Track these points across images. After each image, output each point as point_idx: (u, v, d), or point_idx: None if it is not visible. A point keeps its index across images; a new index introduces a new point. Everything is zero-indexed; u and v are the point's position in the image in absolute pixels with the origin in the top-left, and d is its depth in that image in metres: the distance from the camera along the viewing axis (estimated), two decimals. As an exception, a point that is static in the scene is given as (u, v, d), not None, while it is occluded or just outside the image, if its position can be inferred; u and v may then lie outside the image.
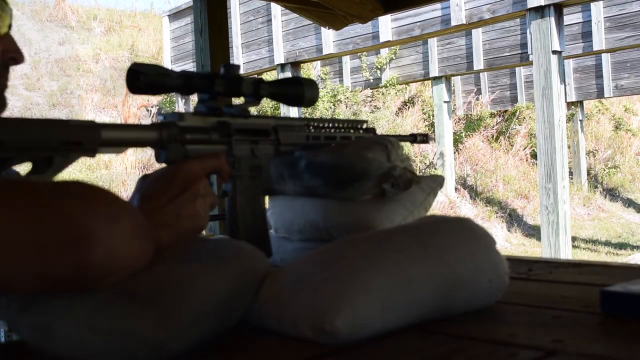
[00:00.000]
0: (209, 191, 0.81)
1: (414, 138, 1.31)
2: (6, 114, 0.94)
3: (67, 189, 0.61)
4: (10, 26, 0.91)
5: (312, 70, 10.08)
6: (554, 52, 5.79)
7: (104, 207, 0.61)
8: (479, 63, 8.19)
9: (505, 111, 10.80)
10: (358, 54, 9.17)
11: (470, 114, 10.70)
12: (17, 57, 0.87)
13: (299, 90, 1.00)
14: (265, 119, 1.00)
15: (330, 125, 1.12)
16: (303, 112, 9.17)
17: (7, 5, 0.88)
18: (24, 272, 0.56)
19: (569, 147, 10.08)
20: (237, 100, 0.99)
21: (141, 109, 9.48)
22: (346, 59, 9.74)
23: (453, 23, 6.70)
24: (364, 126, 1.18)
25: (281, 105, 8.33)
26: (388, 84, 9.45)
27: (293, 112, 7.51)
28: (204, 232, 2.00)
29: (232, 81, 0.91)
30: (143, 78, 0.81)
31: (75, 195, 0.60)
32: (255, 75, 9.20)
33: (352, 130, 1.16)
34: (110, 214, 0.61)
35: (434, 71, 8.69)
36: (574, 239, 7.38)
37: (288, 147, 1.03)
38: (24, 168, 0.71)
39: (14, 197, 0.56)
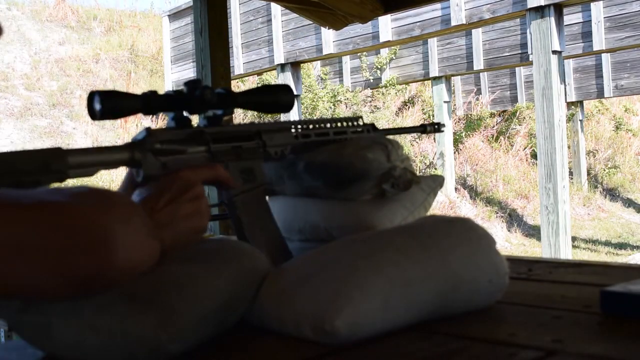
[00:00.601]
0: (203, 197, 0.81)
1: (423, 128, 1.27)
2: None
3: (78, 194, 0.61)
4: None
5: (312, 70, 10.09)
6: (554, 52, 5.79)
7: (117, 209, 0.62)
8: (479, 63, 8.19)
9: (505, 111, 10.81)
10: (358, 54, 9.17)
11: (470, 114, 10.70)
12: None
13: (272, 97, 0.98)
14: (246, 126, 0.98)
15: (320, 122, 1.10)
16: (303, 113, 9.18)
17: None
18: (50, 278, 0.57)
19: (569, 147, 10.08)
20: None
21: (141, 109, 9.47)
22: (346, 59, 9.74)
23: (453, 23, 6.70)
24: (360, 122, 1.16)
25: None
26: (388, 84, 9.45)
27: (293, 115, 7.51)
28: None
29: (195, 96, 0.89)
30: (101, 104, 0.80)
31: (88, 199, 0.61)
32: (256, 80, 9.19)
33: (346, 124, 1.13)
34: (124, 215, 0.62)
35: (434, 71, 8.69)
36: (574, 239, 7.38)
37: (277, 148, 1.01)
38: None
39: (31, 207, 0.57)
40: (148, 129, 0.84)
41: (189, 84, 0.90)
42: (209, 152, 0.91)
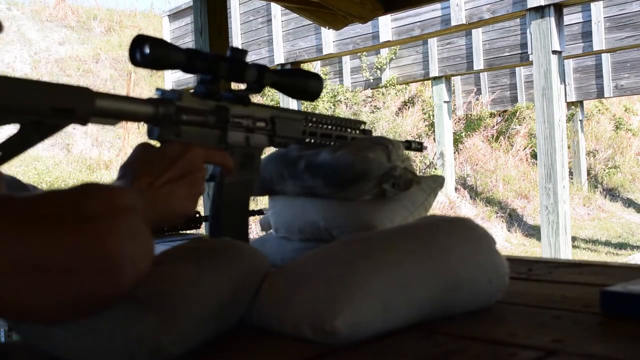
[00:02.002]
0: (202, 182, 0.79)
1: (408, 144, 1.29)
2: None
3: (83, 201, 0.58)
4: None
5: (312, 70, 10.08)
6: (554, 52, 5.79)
7: (124, 223, 0.59)
8: (479, 63, 8.19)
9: (505, 111, 10.80)
10: (358, 54, 9.17)
11: (470, 114, 10.70)
12: None
13: (303, 82, 0.99)
14: (265, 108, 0.99)
15: (329, 122, 1.12)
16: (304, 110, 9.17)
17: None
18: (60, 301, 0.55)
19: (569, 147, 10.08)
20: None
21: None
22: (346, 59, 9.74)
23: (453, 23, 6.70)
24: (362, 127, 1.18)
25: (280, 98, 8.31)
26: (388, 84, 9.44)
27: (293, 105, 7.51)
28: (203, 232, 1.99)
29: (237, 65, 0.89)
30: (146, 50, 0.79)
31: (93, 212, 0.58)
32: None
33: (349, 130, 1.16)
34: (130, 229, 0.60)
35: (434, 71, 8.69)
36: (574, 239, 7.38)
37: (282, 140, 1.02)
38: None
39: (38, 225, 0.54)
40: (180, 94, 0.84)
41: (234, 51, 0.90)
42: (224, 132, 0.91)
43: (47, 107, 0.67)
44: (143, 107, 0.80)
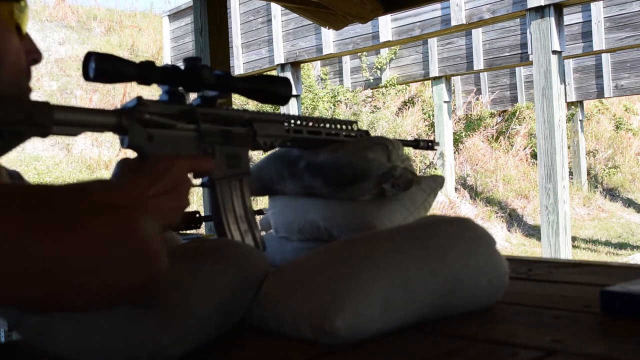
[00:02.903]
0: (187, 195, 0.79)
1: (416, 143, 1.27)
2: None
3: (109, 195, 0.59)
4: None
5: (312, 70, 10.08)
6: (554, 52, 5.79)
7: (149, 215, 0.61)
8: (479, 63, 8.19)
9: (505, 111, 10.81)
10: (358, 54, 9.17)
11: (470, 114, 10.71)
12: (37, 57, 0.86)
13: (271, 87, 0.98)
14: (239, 111, 0.98)
15: (313, 123, 1.10)
16: (303, 113, 9.17)
17: (27, 5, 0.87)
18: (96, 292, 0.57)
19: (569, 147, 10.08)
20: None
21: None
22: (346, 59, 9.74)
23: (453, 23, 6.70)
24: (355, 127, 1.16)
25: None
26: (388, 84, 9.45)
27: (293, 111, 7.51)
28: (203, 232, 1.98)
29: (193, 73, 0.88)
30: (97, 65, 0.80)
31: (121, 200, 0.60)
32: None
33: (340, 128, 1.14)
34: (155, 224, 0.61)
35: (434, 71, 8.69)
36: (574, 239, 7.38)
37: (267, 139, 1.01)
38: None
39: (79, 224, 0.55)
40: (139, 98, 0.83)
41: (187, 60, 0.89)
42: (198, 132, 0.90)
43: (7, 117, 0.69)
44: (104, 117, 0.80)
